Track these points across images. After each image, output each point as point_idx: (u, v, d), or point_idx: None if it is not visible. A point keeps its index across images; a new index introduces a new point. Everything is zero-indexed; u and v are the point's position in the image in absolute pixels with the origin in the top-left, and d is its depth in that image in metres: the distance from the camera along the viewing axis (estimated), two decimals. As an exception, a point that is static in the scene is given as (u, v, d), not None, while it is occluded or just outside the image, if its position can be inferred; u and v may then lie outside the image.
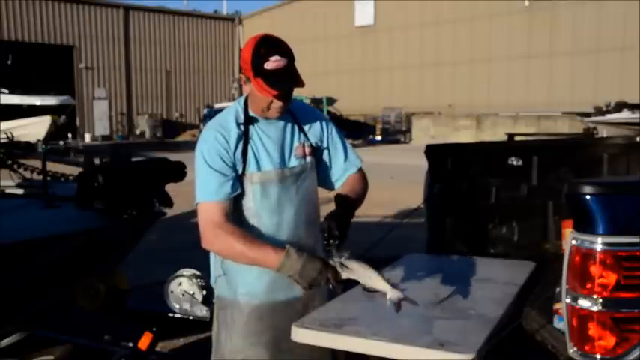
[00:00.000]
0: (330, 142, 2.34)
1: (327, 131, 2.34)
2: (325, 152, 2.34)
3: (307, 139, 2.28)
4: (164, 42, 36.75)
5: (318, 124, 2.32)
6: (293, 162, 2.23)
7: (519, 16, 27.78)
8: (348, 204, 2.13)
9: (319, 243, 2.33)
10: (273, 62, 2.02)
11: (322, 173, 2.36)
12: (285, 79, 2.05)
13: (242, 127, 2.17)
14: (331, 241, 1.99)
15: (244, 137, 2.16)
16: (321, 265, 1.96)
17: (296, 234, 2.23)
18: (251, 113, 2.19)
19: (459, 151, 3.87)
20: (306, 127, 2.29)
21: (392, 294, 1.92)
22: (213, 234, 2.09)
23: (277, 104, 2.10)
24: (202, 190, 2.14)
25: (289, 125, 2.24)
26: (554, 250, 3.24)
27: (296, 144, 2.25)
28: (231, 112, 2.23)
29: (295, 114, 2.27)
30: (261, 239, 2.09)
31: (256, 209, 2.18)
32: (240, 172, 2.15)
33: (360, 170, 2.41)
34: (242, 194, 2.17)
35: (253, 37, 2.09)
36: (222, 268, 2.28)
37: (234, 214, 2.16)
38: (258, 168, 2.17)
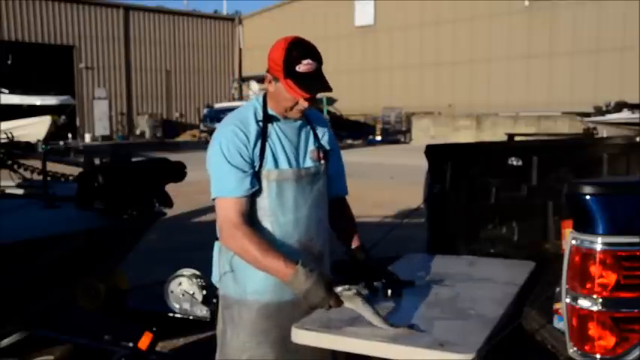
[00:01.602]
0: (333, 150, 2.40)
1: (331, 139, 2.41)
2: (331, 159, 2.39)
3: (320, 144, 2.34)
4: (164, 42, 36.73)
5: (328, 132, 2.40)
6: (308, 163, 2.28)
7: (519, 16, 27.77)
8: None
9: (327, 245, 2.40)
10: (305, 65, 2.08)
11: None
12: (316, 83, 2.11)
13: (261, 124, 2.21)
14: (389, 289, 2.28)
15: (263, 134, 2.19)
16: (324, 293, 2.01)
17: (308, 233, 2.27)
18: (270, 111, 2.23)
19: (459, 151, 3.87)
20: (320, 133, 2.36)
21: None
22: (231, 234, 2.13)
23: (302, 105, 2.17)
24: (220, 185, 2.17)
25: (305, 128, 2.30)
26: (554, 250, 3.24)
27: (311, 147, 2.30)
28: (249, 108, 2.26)
29: (309, 118, 2.33)
30: (275, 249, 2.12)
31: (271, 207, 2.21)
32: (256, 169, 2.18)
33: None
34: (257, 192, 2.19)
35: (284, 39, 2.14)
36: (230, 265, 2.29)
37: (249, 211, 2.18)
38: (276, 165, 2.20)
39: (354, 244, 2.42)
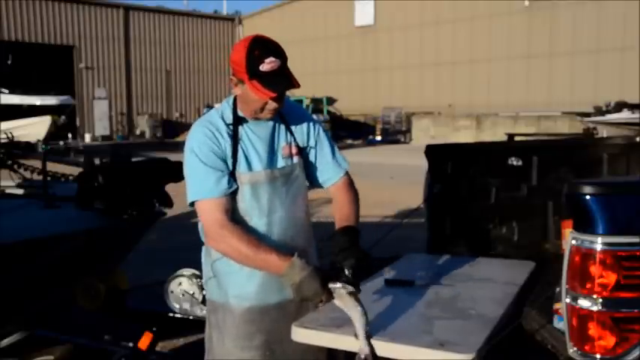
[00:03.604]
0: (317, 142, 2.33)
1: (314, 131, 2.32)
2: (312, 151, 2.32)
3: (294, 138, 2.27)
4: (164, 42, 36.74)
5: (304, 123, 2.31)
6: (281, 162, 2.22)
7: (519, 16, 27.77)
8: (353, 236, 2.13)
9: (312, 244, 2.35)
10: (268, 64, 2.00)
11: (309, 172, 2.35)
12: (282, 81, 2.04)
13: (231, 127, 2.16)
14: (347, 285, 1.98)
15: (234, 137, 2.15)
16: (318, 287, 1.96)
17: (286, 234, 2.21)
18: (240, 113, 2.18)
19: (459, 151, 3.87)
20: (293, 127, 2.27)
21: (362, 346, 1.90)
22: (220, 235, 2.07)
23: (272, 105, 2.09)
24: (198, 187, 2.11)
25: (277, 125, 2.23)
26: (554, 250, 3.23)
27: (283, 143, 2.23)
28: (219, 111, 2.21)
29: (283, 113, 2.25)
30: (266, 244, 2.08)
31: (246, 209, 2.16)
32: (230, 170, 2.13)
33: (347, 174, 2.38)
34: (233, 194, 2.15)
35: (244, 39, 2.07)
36: (212, 270, 2.27)
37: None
38: (249, 168, 2.15)
39: (338, 225, 2.20)
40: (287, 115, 2.27)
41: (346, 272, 2.00)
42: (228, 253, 2.11)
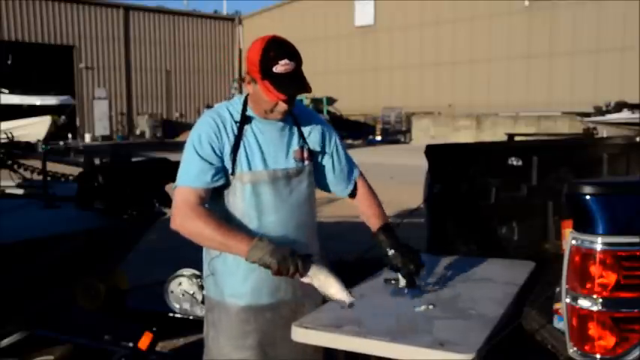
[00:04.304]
0: (335, 152, 2.36)
1: (330, 139, 2.35)
2: (327, 158, 2.34)
3: (306, 143, 2.27)
4: (164, 42, 36.74)
5: (320, 129, 2.32)
6: (287, 163, 2.21)
7: (519, 16, 27.77)
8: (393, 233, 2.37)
9: (315, 249, 2.34)
10: (282, 66, 2.01)
11: (325, 179, 2.37)
12: (294, 84, 2.04)
13: (237, 125, 2.15)
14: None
15: (237, 136, 2.14)
16: (287, 252, 1.95)
17: (284, 237, 2.16)
18: (250, 112, 2.18)
19: (459, 151, 3.87)
20: (306, 132, 2.28)
21: (345, 300, 2.01)
22: (187, 216, 2.05)
23: (282, 107, 2.10)
24: (183, 174, 2.12)
25: (289, 127, 2.23)
26: (554, 250, 3.23)
27: (295, 147, 2.23)
28: (230, 106, 2.21)
29: (297, 117, 2.25)
30: (235, 228, 2.07)
31: (246, 209, 2.15)
32: (229, 169, 2.13)
33: (362, 174, 2.48)
34: (230, 193, 2.15)
35: (261, 39, 2.07)
36: (209, 268, 2.27)
37: (221, 212, 2.14)
38: (249, 167, 2.14)
39: (374, 227, 2.37)
40: (301, 118, 2.27)
41: (409, 267, 2.28)
42: (192, 235, 2.07)
